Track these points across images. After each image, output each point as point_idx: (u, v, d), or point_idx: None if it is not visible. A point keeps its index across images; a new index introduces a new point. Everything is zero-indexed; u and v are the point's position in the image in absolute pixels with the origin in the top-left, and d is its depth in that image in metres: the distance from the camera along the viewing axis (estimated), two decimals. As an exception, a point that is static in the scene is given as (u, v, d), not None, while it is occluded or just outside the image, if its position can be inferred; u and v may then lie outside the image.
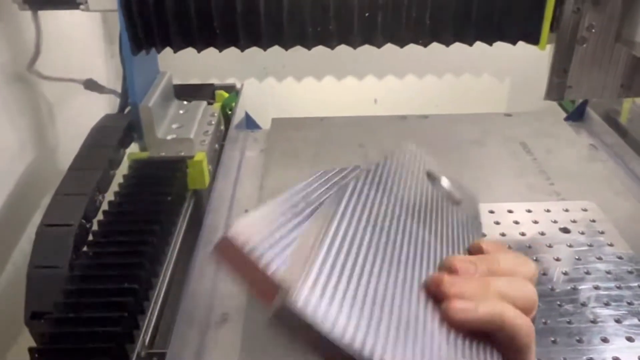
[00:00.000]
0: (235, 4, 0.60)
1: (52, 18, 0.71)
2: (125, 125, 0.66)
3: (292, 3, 0.61)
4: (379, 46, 0.64)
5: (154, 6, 0.61)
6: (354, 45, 0.64)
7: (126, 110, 0.71)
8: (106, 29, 0.99)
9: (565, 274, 0.57)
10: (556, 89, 0.64)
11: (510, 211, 0.67)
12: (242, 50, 0.64)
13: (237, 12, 0.61)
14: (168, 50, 0.64)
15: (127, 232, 0.55)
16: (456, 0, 0.61)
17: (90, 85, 0.78)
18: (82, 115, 0.80)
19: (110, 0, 0.61)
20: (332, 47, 0.64)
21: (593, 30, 0.60)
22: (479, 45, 0.64)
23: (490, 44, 0.64)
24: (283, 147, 0.83)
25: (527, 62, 0.78)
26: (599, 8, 0.59)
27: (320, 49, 0.64)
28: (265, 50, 0.64)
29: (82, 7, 0.63)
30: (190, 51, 0.64)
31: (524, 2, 0.61)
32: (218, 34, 0.62)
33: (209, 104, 0.81)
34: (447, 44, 0.64)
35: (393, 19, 0.62)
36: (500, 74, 1.11)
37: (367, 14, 0.62)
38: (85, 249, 0.54)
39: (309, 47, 0.64)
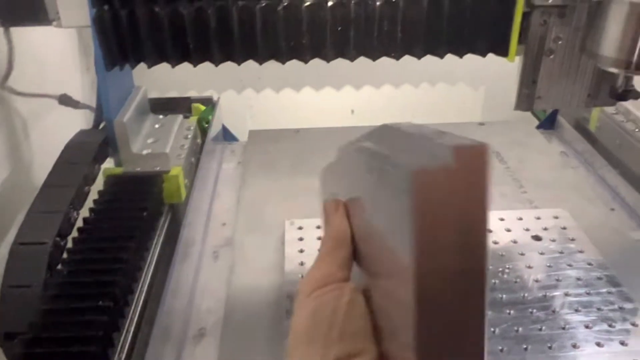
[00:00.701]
0: (208, 19, 0.61)
1: (26, 34, 0.71)
2: (100, 141, 0.66)
3: (265, 18, 0.61)
4: (351, 59, 0.65)
5: (127, 22, 0.61)
6: (327, 58, 0.64)
7: (101, 126, 0.71)
8: (82, 43, 0.99)
9: (537, 281, 0.58)
10: (525, 99, 0.66)
11: (483, 220, 0.67)
12: (217, 65, 0.64)
13: (210, 27, 0.61)
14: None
15: (102, 249, 0.55)
16: (427, 14, 0.62)
17: (65, 100, 0.77)
18: (57, 130, 0.79)
19: (83, 17, 0.61)
20: (305, 61, 0.65)
21: (560, 42, 0.62)
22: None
23: (461, 57, 0.65)
24: (260, 159, 0.83)
25: (501, 71, 0.80)
26: (564, 21, 0.60)
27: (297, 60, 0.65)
28: (239, 64, 0.64)
29: (54, 23, 0.63)
30: (167, 65, 0.64)
31: (492, 15, 0.62)
32: (192, 49, 0.62)
33: (186, 117, 0.82)
34: (419, 57, 0.65)
35: (365, 33, 0.63)
36: (474, 84, 1.13)
37: (339, 28, 0.63)
38: (59, 266, 0.54)
39: (282, 61, 0.65)
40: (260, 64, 0.65)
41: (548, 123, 0.93)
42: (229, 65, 0.65)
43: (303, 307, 0.29)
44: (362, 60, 0.65)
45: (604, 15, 0.52)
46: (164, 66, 0.65)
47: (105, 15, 0.60)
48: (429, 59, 0.66)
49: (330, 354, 0.26)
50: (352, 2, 0.61)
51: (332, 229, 0.33)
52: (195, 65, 0.65)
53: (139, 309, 0.55)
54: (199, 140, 0.82)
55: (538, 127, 0.93)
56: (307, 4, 0.61)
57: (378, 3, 0.61)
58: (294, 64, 0.65)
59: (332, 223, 0.34)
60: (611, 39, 0.52)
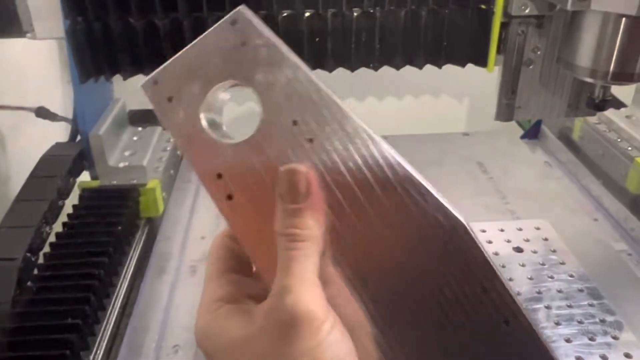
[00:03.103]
0: (182, 30, 0.60)
1: (5, 45, 0.70)
2: (74, 154, 0.65)
3: (242, 29, 0.61)
4: (329, 70, 0.64)
5: (101, 33, 0.60)
6: (306, 70, 0.64)
7: (78, 139, 0.70)
8: (62, 54, 0.97)
9: (518, 294, 0.57)
10: (505, 109, 0.65)
11: (465, 231, 0.67)
12: (194, 77, 0.64)
13: (185, 37, 0.60)
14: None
15: (73, 265, 0.54)
16: (404, 25, 0.62)
17: (42, 113, 0.76)
18: (35, 143, 0.78)
19: (57, 28, 0.60)
20: (283, 72, 0.64)
21: (538, 52, 0.62)
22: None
23: (440, 67, 0.65)
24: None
25: (485, 81, 0.79)
26: (542, 31, 0.60)
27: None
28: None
29: (28, 35, 0.62)
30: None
31: (470, 26, 0.62)
32: (167, 60, 0.62)
33: (165, 128, 0.80)
34: (398, 67, 0.64)
35: (343, 44, 0.62)
36: (458, 95, 1.13)
37: (317, 39, 0.62)
38: (29, 283, 0.52)
39: (260, 73, 0.64)
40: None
41: (532, 133, 0.92)
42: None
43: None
44: (344, 73, 0.65)
45: (579, 25, 0.52)
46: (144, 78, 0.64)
47: (78, 27, 0.59)
48: (412, 72, 0.65)
49: None
50: (329, 13, 0.61)
51: (317, 221, 0.26)
52: (171, 77, 0.64)
53: (110, 326, 0.54)
54: (179, 152, 0.81)
55: (522, 137, 0.93)
56: (284, 15, 0.60)
57: (355, 14, 0.61)
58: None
59: (314, 206, 0.26)
60: (586, 49, 0.51)
